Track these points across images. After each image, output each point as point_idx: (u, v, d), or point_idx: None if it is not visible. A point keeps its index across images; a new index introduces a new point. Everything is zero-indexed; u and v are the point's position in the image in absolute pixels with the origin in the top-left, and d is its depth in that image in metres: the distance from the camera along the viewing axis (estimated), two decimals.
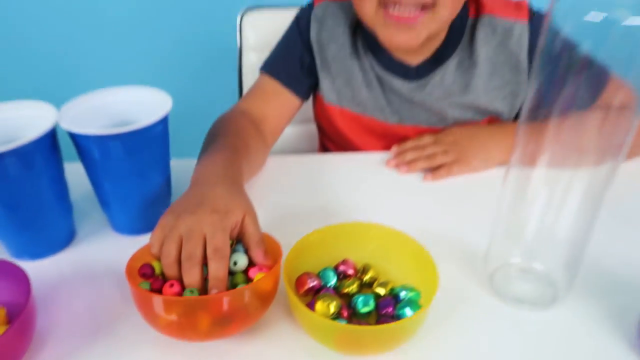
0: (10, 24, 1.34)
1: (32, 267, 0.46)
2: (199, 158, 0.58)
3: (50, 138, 0.49)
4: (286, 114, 0.77)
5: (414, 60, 0.73)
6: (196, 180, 0.51)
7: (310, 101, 0.83)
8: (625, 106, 0.37)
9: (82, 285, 0.50)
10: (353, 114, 0.78)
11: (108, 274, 0.51)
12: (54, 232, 0.53)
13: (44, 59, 1.37)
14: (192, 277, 0.41)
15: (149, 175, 0.53)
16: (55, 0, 1.31)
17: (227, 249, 0.42)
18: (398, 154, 0.70)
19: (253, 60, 0.94)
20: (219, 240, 0.42)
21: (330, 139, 0.87)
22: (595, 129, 0.39)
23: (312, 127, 0.93)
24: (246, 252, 0.45)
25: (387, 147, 0.74)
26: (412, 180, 0.67)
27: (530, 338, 0.45)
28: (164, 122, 0.52)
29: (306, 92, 0.78)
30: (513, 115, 0.77)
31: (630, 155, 0.61)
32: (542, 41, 0.38)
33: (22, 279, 0.42)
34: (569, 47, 0.36)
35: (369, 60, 0.75)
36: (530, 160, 0.43)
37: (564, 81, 0.37)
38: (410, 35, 0.65)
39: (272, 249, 0.46)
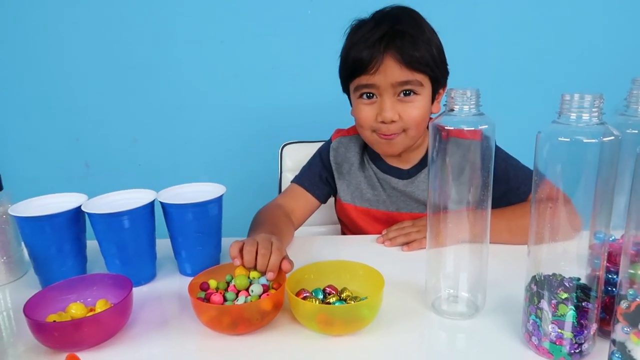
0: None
1: None
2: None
3: (150, 207, 0.79)
4: (308, 209, 1.07)
5: (406, 166, 1.04)
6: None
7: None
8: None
9: (157, 303, 0.75)
10: (363, 209, 1.07)
11: (174, 297, 0.76)
12: (144, 271, 0.81)
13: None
14: (264, 261, 0.70)
15: (207, 234, 0.81)
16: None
17: (283, 251, 0.72)
18: (384, 234, 0.95)
19: (289, 178, 1.26)
20: (277, 245, 0.72)
21: (348, 228, 1.14)
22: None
23: (338, 227, 1.22)
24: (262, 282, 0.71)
25: None
26: (394, 251, 0.91)
27: (459, 338, 0.65)
28: (218, 201, 0.81)
29: (323, 196, 1.09)
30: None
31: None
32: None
33: (128, 284, 0.69)
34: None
35: (372, 170, 1.06)
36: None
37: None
38: (392, 147, 0.97)
39: (280, 276, 0.71)
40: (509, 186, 0.98)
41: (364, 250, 0.93)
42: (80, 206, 0.78)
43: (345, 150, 1.08)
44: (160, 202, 0.79)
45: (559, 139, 0.53)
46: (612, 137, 0.52)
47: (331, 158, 1.08)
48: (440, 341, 0.65)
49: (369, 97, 0.94)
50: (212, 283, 0.70)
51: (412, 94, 0.92)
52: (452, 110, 0.64)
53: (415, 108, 0.93)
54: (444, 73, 0.97)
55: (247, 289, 0.70)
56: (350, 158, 1.07)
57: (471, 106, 0.63)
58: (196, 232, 0.80)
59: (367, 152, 1.08)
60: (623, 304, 0.50)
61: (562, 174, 0.56)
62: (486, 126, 0.63)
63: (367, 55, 0.89)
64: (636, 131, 0.57)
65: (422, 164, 1.04)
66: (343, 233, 1.20)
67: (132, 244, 0.77)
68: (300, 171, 1.11)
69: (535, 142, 0.57)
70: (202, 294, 0.68)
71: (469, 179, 0.68)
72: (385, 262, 0.85)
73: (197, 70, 1.68)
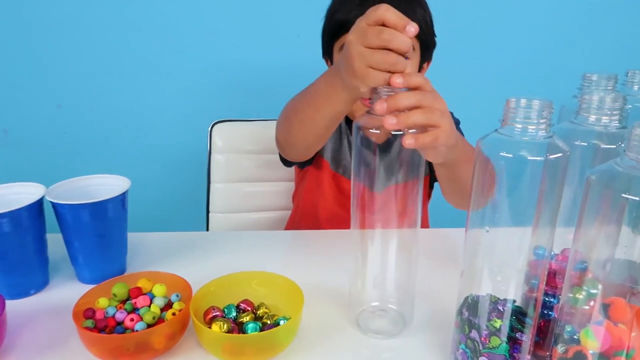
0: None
1: (10, 304, 0.62)
2: (297, 95, 0.76)
3: (37, 206, 0.67)
4: None
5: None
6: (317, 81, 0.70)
7: None
8: None
9: (47, 317, 0.65)
10: (335, 173, 0.99)
11: (69, 309, 0.66)
12: (31, 279, 0.69)
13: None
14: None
15: (109, 237, 0.70)
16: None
17: None
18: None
19: (219, 160, 1.16)
20: None
21: (303, 208, 1.05)
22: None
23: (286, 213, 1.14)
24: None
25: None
26: (327, 251, 0.84)
27: (383, 358, 0.59)
28: (122, 198, 0.70)
29: None
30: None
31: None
32: None
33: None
34: None
35: (348, 138, 0.98)
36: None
37: None
38: None
39: (184, 290, 0.62)
40: None
41: (302, 248, 0.87)
42: None
43: None
44: (50, 202, 0.68)
45: (501, 154, 0.46)
46: (560, 155, 0.45)
47: None
48: None
49: None
50: (103, 302, 0.60)
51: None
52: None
53: None
54: (433, 43, 0.91)
55: (149, 304, 0.61)
56: None
57: None
58: (95, 236, 0.69)
59: (346, 121, 1.00)
60: (560, 348, 0.44)
61: (502, 186, 0.49)
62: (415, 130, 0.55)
63: (358, 11, 0.80)
64: (585, 144, 0.50)
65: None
66: (292, 219, 1.11)
67: (15, 249, 0.66)
68: None
69: (476, 151, 0.50)
70: (90, 323, 0.58)
71: (395, 182, 0.60)
72: (312, 264, 0.79)
73: (126, 29, 1.50)
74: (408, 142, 0.52)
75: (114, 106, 1.62)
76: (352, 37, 0.55)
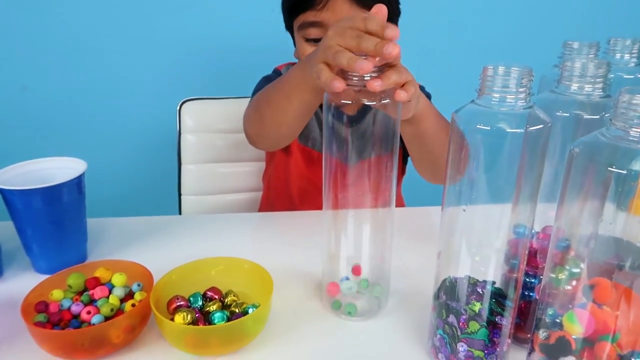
0: None
1: None
2: (268, 86, 0.74)
3: None
4: None
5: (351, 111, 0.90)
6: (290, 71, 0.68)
7: None
8: None
9: (1, 312, 0.60)
10: (304, 147, 0.96)
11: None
12: None
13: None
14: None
15: (64, 224, 0.66)
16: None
17: None
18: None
19: (190, 140, 1.11)
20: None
21: (273, 185, 1.02)
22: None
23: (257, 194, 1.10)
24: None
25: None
26: (297, 235, 0.81)
27: (358, 341, 0.56)
28: (77, 181, 0.65)
29: None
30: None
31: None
32: None
33: None
34: None
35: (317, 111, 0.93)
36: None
37: None
38: None
39: (146, 279, 0.58)
40: None
41: (273, 230, 0.84)
42: None
43: None
44: None
45: (478, 126, 0.43)
46: (541, 126, 0.42)
47: None
48: (337, 351, 0.55)
49: (315, 40, 0.82)
50: (57, 294, 0.56)
51: None
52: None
53: None
54: (397, 12, 0.86)
55: (108, 295, 0.57)
56: None
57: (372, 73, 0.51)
58: (49, 223, 0.64)
59: None
60: (542, 333, 0.42)
61: (479, 161, 0.46)
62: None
63: None
64: (567, 114, 0.47)
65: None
66: (265, 199, 1.08)
67: None
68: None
69: (451, 124, 0.46)
70: (43, 317, 0.54)
71: (368, 156, 0.57)
72: (284, 247, 0.77)
73: (92, 5, 1.42)
74: (402, 94, 0.54)
75: (79, 85, 1.54)
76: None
